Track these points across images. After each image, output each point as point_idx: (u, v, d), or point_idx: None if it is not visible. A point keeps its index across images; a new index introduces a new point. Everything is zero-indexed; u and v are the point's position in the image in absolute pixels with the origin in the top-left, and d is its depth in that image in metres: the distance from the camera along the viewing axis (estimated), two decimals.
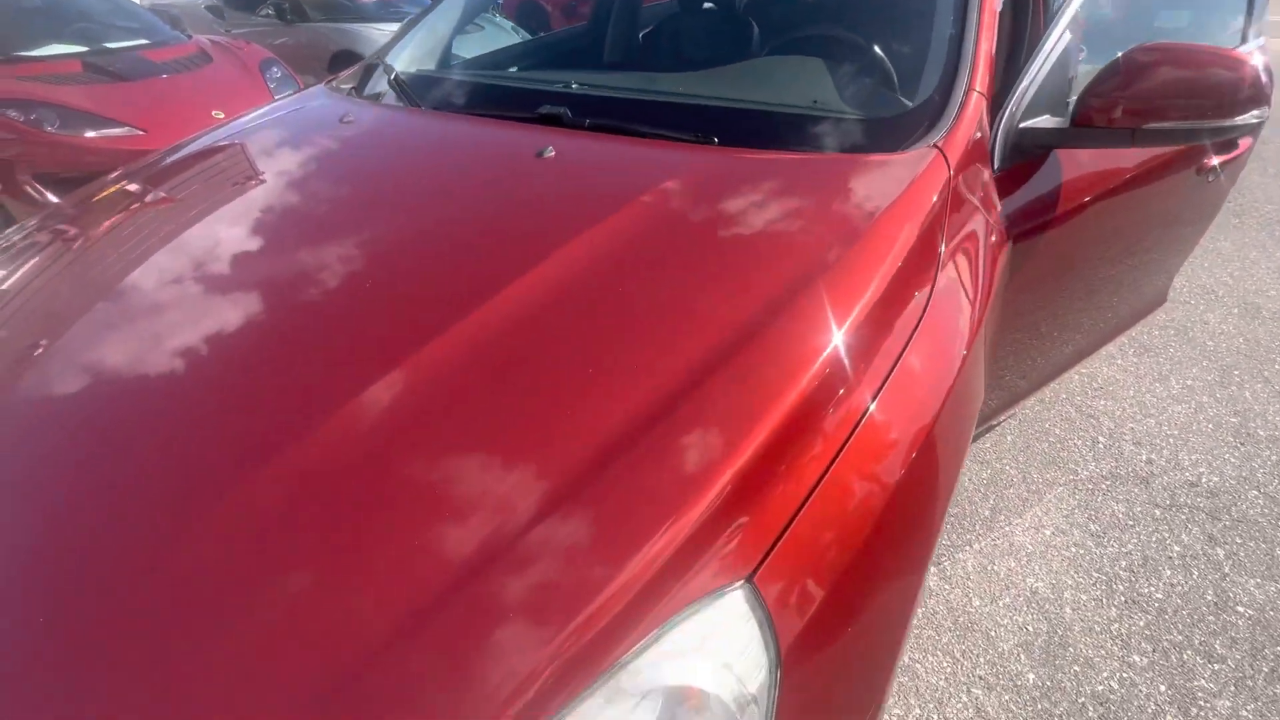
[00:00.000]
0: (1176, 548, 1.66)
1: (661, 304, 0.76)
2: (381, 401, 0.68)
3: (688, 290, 0.78)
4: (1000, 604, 1.53)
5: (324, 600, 0.54)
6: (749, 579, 0.57)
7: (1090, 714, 1.31)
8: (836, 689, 0.62)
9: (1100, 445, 2.00)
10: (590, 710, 0.50)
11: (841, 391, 0.70)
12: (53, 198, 3.27)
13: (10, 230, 1.28)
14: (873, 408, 0.70)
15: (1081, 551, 1.66)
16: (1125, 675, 1.38)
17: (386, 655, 0.50)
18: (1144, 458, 1.95)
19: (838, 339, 0.72)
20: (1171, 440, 2.00)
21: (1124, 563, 1.63)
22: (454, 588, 0.53)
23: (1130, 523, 1.73)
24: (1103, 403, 2.18)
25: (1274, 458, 1.92)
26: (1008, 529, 1.73)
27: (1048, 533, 1.71)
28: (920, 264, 0.85)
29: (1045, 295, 1.35)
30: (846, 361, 0.72)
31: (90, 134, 3.24)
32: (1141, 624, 1.48)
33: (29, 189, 3.32)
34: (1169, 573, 1.60)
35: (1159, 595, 1.55)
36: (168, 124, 3.30)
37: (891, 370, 0.74)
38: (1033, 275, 1.25)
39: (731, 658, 0.55)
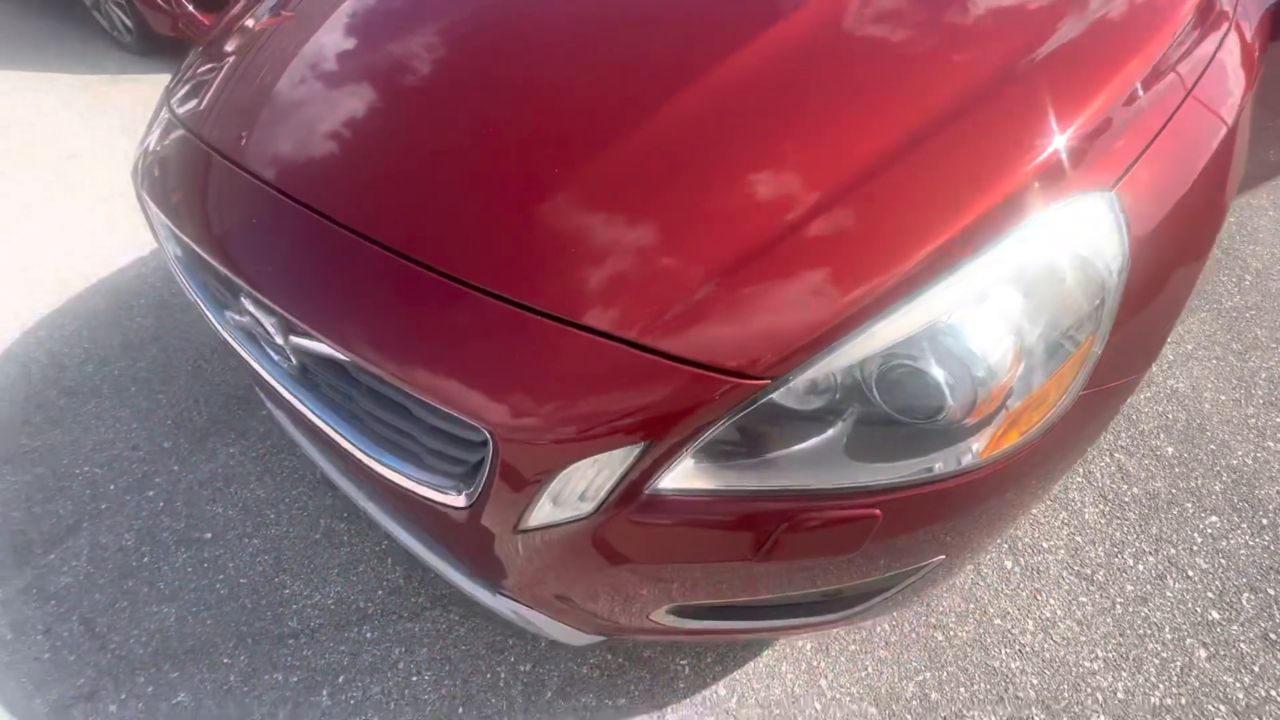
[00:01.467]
0: None
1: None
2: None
3: None
4: (1140, 396, 1.67)
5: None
6: (1113, 187, 0.69)
7: (1224, 479, 1.47)
8: (1157, 294, 0.75)
9: (1246, 282, 2.03)
10: (1000, 254, 0.65)
11: (1170, 73, 0.78)
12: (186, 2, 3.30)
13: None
14: (1193, 91, 0.79)
15: (1222, 364, 1.76)
16: (1260, 455, 1.52)
17: (848, 198, 0.66)
18: None
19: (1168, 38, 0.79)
20: None
21: (1264, 375, 1.72)
22: (897, 158, 0.68)
23: (1273, 345, 1.81)
24: (1252, 248, 2.18)
25: None
26: None
27: (1189, 347, 1.80)
28: None
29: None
30: (1174, 52, 0.79)
31: None
32: (1279, 420, 1.61)
33: None
34: None
35: None
36: None
37: (1201, 74, 0.81)
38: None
39: (1096, 245, 0.68)
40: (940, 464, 0.68)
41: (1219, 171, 0.81)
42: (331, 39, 1.06)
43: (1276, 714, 1.11)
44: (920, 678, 1.16)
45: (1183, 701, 1.12)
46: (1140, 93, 0.74)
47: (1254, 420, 1.60)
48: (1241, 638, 1.20)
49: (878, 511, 0.68)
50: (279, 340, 0.85)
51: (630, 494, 0.69)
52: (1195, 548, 1.35)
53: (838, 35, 0.81)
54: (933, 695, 1.14)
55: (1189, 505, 1.42)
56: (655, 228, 0.67)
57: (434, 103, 0.86)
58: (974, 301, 0.65)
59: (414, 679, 1.16)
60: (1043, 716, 1.11)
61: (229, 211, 0.91)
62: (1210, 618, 1.24)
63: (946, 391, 0.65)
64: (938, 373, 0.65)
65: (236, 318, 0.95)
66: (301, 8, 1.23)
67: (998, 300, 0.66)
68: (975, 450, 0.68)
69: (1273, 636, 1.20)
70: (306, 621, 1.23)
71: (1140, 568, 1.32)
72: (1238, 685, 1.14)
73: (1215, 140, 0.80)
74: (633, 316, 0.63)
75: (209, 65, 1.18)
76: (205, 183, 0.95)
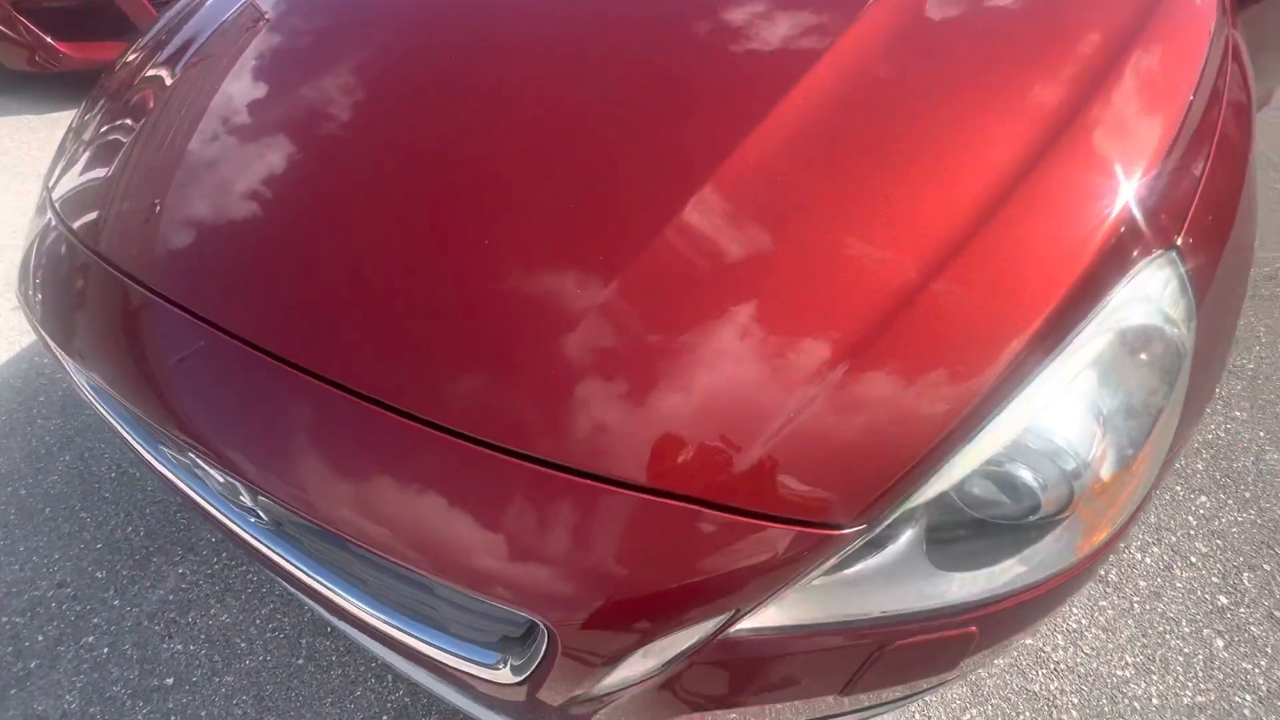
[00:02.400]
0: (1262, 329, 1.84)
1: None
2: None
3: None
4: None
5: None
6: (1176, 243, 0.65)
7: (1204, 455, 1.53)
8: (1217, 344, 0.73)
9: None
10: (1084, 339, 0.59)
11: (1202, 108, 0.74)
12: (37, 29, 2.89)
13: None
14: (1220, 124, 0.75)
15: None
16: (1229, 426, 1.59)
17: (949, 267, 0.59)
18: None
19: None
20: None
21: None
22: (961, 248, 0.60)
23: None
24: None
25: None
26: None
27: None
28: None
29: None
30: (1203, 87, 0.74)
31: None
32: (1239, 388, 1.68)
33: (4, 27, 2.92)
34: (1258, 349, 1.78)
35: (1250, 366, 1.74)
36: None
37: (1224, 102, 0.78)
38: None
39: (1167, 311, 0.64)
40: (1036, 567, 0.62)
41: (1248, 195, 0.79)
42: (255, 110, 0.90)
43: None
44: (967, 716, 1.14)
45: (1212, 698, 1.15)
46: (1184, 136, 0.69)
47: (1217, 390, 1.67)
48: (1251, 620, 1.25)
49: (974, 629, 0.63)
50: (245, 500, 0.71)
51: (701, 645, 0.60)
52: (1192, 532, 1.39)
53: (859, 110, 0.71)
54: None
55: (1178, 488, 1.47)
56: (706, 361, 0.57)
57: (411, 201, 0.72)
58: (1057, 394, 0.59)
59: None
60: None
61: (150, 349, 0.75)
62: (1219, 603, 1.27)
63: (1038, 490, 0.60)
64: (1026, 473, 0.59)
65: (180, 458, 0.80)
66: (203, 62, 1.04)
67: (1080, 387, 0.60)
68: (1073, 544, 0.63)
69: (1277, 614, 1.25)
70: None
71: (1148, 560, 1.35)
72: (1256, 671, 1.18)
73: (1245, 167, 0.77)
74: (709, 473, 0.53)
75: (96, 146, 0.98)
76: (111, 311, 0.78)
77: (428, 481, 0.57)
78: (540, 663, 0.60)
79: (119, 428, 0.86)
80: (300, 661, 1.21)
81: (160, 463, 0.84)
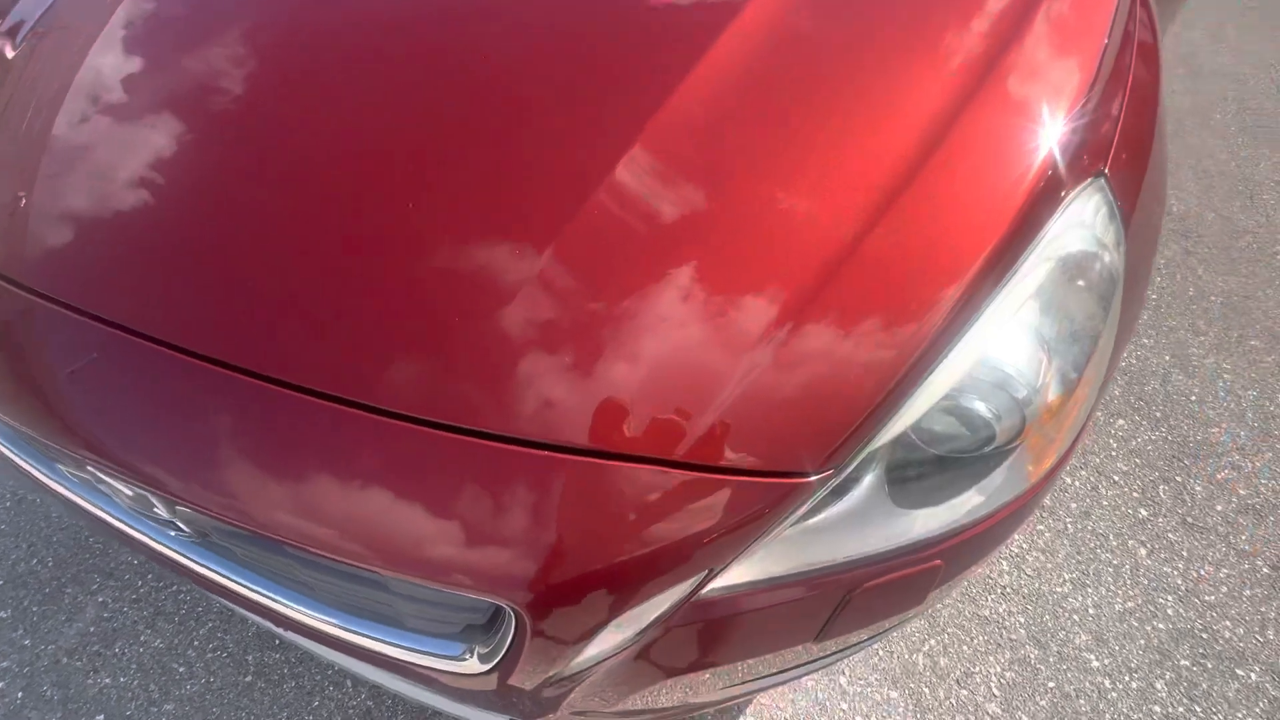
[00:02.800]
0: (1161, 260, 1.98)
1: None
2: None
3: None
4: None
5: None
6: (1104, 170, 0.66)
7: (1120, 381, 1.63)
8: (1143, 259, 0.75)
9: None
10: (1027, 269, 0.60)
11: (1120, 36, 0.75)
12: None
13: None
14: (1135, 49, 0.78)
15: None
16: (1139, 353, 1.71)
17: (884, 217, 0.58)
18: None
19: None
20: None
21: None
22: (899, 192, 0.59)
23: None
24: None
25: (1223, 187, 2.25)
26: None
27: None
28: None
29: None
30: (1118, 38, 0.76)
31: None
32: (1145, 317, 1.80)
33: None
34: (1159, 279, 1.91)
35: (1153, 296, 1.87)
36: None
37: (1135, 28, 0.80)
38: None
39: (1099, 231, 0.66)
40: (992, 496, 0.64)
41: (1159, 131, 0.82)
42: (130, 84, 0.79)
43: (1209, 589, 1.26)
44: (926, 646, 1.19)
45: (1140, 601, 1.25)
46: (1102, 76, 0.71)
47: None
48: (1168, 529, 1.35)
49: (939, 561, 0.64)
50: (161, 513, 0.64)
51: (675, 608, 0.59)
52: (1114, 453, 1.49)
53: (783, 59, 0.69)
54: (941, 661, 1.17)
55: (1099, 414, 1.57)
56: (657, 322, 0.54)
57: (323, 172, 0.65)
58: (1004, 326, 0.60)
59: None
60: (1036, 651, 1.19)
61: (30, 355, 0.66)
62: (1140, 516, 1.38)
63: (992, 420, 0.61)
64: (980, 405, 0.60)
65: (78, 474, 0.71)
66: (58, 31, 0.92)
67: (1025, 317, 0.61)
68: (1025, 471, 0.65)
69: (1189, 520, 1.36)
70: None
71: (1076, 483, 1.44)
72: (1175, 574, 1.29)
73: (1157, 105, 0.80)
74: (669, 433, 0.51)
75: None
76: None
77: (368, 470, 0.52)
78: (509, 648, 0.57)
79: (2, 448, 0.76)
80: (249, 679, 1.13)
81: (56, 482, 0.75)
